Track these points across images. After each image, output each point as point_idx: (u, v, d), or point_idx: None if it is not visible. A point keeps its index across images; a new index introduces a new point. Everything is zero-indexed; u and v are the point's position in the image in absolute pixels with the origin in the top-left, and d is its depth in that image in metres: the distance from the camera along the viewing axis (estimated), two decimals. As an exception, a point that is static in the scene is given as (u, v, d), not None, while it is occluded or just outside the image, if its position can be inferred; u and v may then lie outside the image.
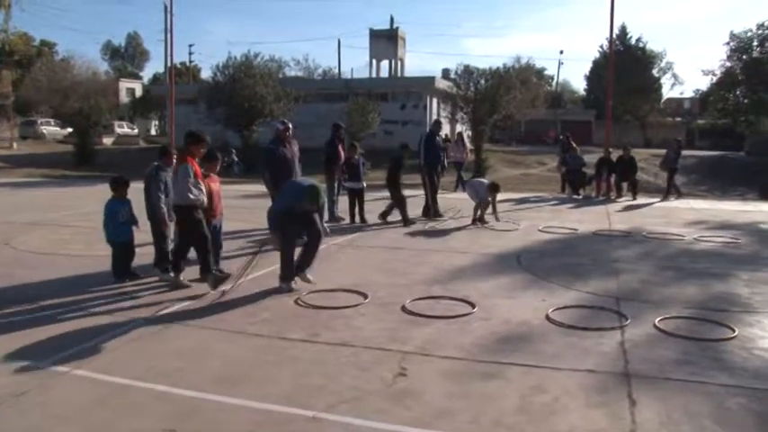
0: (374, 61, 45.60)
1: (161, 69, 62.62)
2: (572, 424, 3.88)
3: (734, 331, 5.63)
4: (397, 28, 45.46)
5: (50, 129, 43.39)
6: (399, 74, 44.14)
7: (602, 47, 55.40)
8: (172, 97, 27.60)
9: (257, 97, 27.06)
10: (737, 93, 40.00)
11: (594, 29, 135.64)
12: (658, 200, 18.29)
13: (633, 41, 54.74)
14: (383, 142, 29.40)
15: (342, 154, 12.50)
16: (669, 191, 18.89)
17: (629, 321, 5.91)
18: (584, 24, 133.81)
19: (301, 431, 3.79)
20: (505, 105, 26.57)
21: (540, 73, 59.11)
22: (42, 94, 49.03)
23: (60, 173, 26.34)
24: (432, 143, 13.11)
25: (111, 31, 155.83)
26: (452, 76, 29.53)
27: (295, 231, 7.02)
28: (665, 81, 59.11)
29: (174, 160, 7.48)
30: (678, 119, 59.91)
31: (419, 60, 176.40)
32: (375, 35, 44.68)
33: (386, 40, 44.16)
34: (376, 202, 14.75)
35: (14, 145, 38.35)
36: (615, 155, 18.99)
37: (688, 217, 14.35)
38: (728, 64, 39.29)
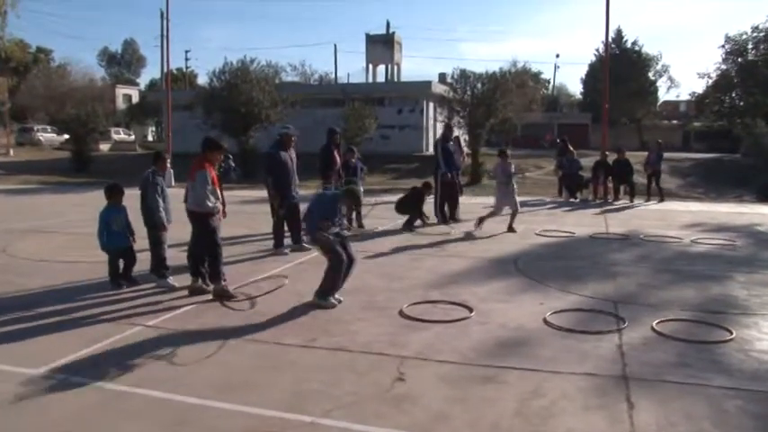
0: (370, 66, 45.68)
1: (158, 75, 62.65)
2: (570, 427, 3.87)
3: (731, 333, 5.64)
4: (394, 33, 45.57)
5: (47, 135, 43.39)
6: (396, 78, 44.22)
7: (597, 50, 55.55)
8: (168, 103, 27.57)
9: (254, 103, 27.06)
10: (733, 95, 40.14)
11: (590, 32, 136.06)
12: (642, 201, 18.26)
13: (629, 45, 54.84)
14: (380, 147, 29.46)
15: (338, 159, 12.48)
16: (651, 192, 18.93)
17: (626, 324, 5.92)
18: (579, 28, 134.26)
19: (299, 437, 3.79)
20: (502, 109, 26.58)
21: (536, 77, 59.23)
22: (39, 100, 49.21)
23: (57, 179, 26.32)
24: (445, 148, 13.10)
25: (108, 37, 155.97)
26: (449, 80, 29.55)
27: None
28: (661, 84, 59.15)
29: (169, 165, 7.50)
30: (674, 121, 60.00)
31: (415, 65, 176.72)
32: (371, 40, 44.75)
33: (382, 45, 44.23)
34: (376, 207, 14.76)
35: (11, 152, 38.36)
36: (612, 158, 19.03)
37: (685, 219, 14.38)
38: (724, 66, 39.44)
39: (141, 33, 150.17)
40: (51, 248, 10.06)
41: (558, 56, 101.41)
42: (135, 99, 64.24)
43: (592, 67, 57.79)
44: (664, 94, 60.96)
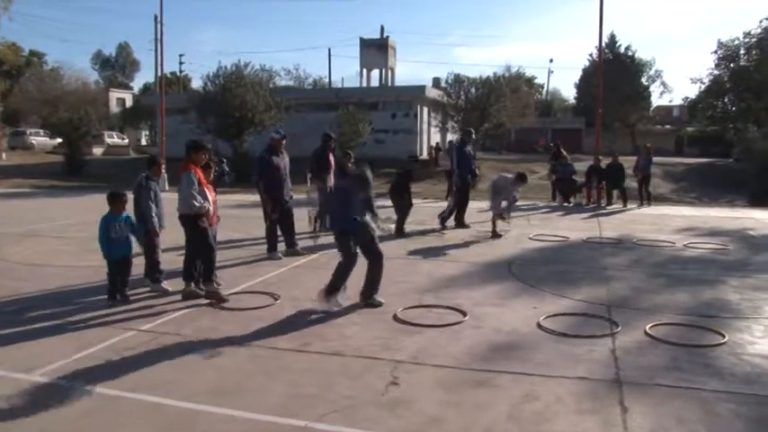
0: (364, 70, 45.73)
1: (151, 79, 62.63)
2: (563, 431, 3.88)
3: (724, 337, 5.67)
4: (388, 37, 45.64)
5: (39, 139, 43.19)
6: (390, 83, 44.29)
7: (591, 55, 55.81)
8: (162, 107, 27.52)
9: (248, 107, 27.09)
10: (725, 100, 40.31)
11: (584, 37, 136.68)
12: (635, 206, 18.37)
13: (622, 50, 55.13)
14: (374, 151, 29.48)
15: (331, 163, 12.49)
16: (643, 196, 19.04)
17: (619, 328, 5.94)
18: (573, 33, 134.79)
19: (293, 441, 3.79)
20: (496, 114, 26.73)
21: (529, 81, 59.47)
22: (31, 104, 49.06)
23: (50, 183, 26.23)
24: (463, 153, 13.04)
25: (102, 41, 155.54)
26: (443, 84, 29.68)
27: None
28: (654, 89, 59.61)
29: (163, 170, 7.46)
30: (667, 126, 60.29)
31: (409, 69, 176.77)
32: (365, 44, 44.82)
33: (376, 50, 44.31)
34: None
35: (3, 155, 38.12)
36: (605, 162, 19.11)
37: (678, 224, 14.43)
38: (716, 72, 39.61)
39: (135, 37, 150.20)
40: (44, 252, 10.03)
41: (551, 61, 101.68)
42: (128, 103, 64.07)
43: (585, 71, 58.08)
44: (657, 99, 61.32)
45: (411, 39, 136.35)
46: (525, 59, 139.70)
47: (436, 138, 35.74)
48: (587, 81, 55.34)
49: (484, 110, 26.28)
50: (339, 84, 58.99)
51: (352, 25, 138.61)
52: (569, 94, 75.03)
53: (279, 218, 9.52)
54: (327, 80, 60.85)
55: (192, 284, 7.12)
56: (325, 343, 5.52)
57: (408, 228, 12.32)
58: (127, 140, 51.36)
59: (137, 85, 79.25)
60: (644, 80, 56.41)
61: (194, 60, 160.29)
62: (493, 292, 7.53)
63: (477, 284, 7.93)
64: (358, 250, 6.77)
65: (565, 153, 19.86)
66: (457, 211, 13.20)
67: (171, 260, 8.00)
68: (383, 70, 45.39)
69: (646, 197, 18.98)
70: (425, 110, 35.39)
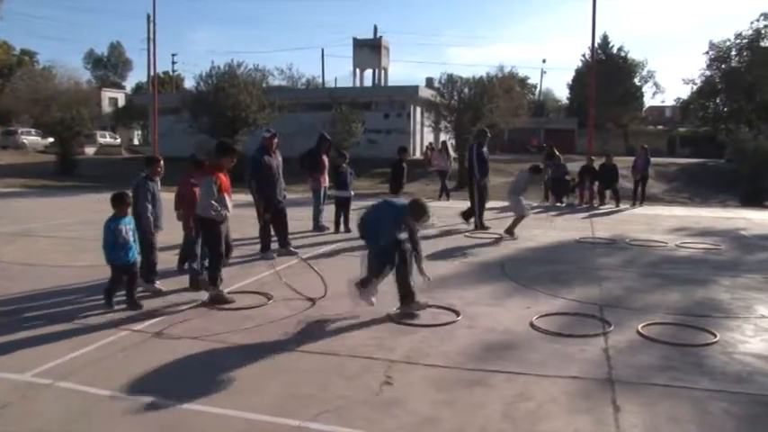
0: (358, 70, 45.73)
1: (144, 79, 62.46)
2: (556, 430, 3.90)
3: (715, 336, 5.71)
4: (381, 37, 45.65)
5: (31, 138, 42.97)
6: (383, 83, 44.30)
7: (584, 56, 55.94)
8: (155, 107, 27.49)
9: (241, 106, 27.01)
10: (717, 101, 40.53)
11: (577, 38, 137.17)
12: (629, 206, 18.48)
13: (615, 50, 55.34)
14: (367, 151, 29.48)
15: (326, 163, 12.49)
16: (637, 196, 19.17)
17: (612, 328, 5.97)
18: (566, 34, 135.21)
19: (287, 441, 3.79)
20: (489, 114, 26.70)
21: (523, 82, 59.63)
22: (23, 103, 48.84)
23: (41, 183, 26.07)
24: (481, 154, 12.94)
25: (94, 40, 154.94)
26: (436, 84, 29.68)
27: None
28: (647, 89, 59.77)
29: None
30: (660, 127, 60.55)
31: (403, 69, 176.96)
32: (359, 44, 44.83)
33: (369, 50, 44.31)
34: (362, 211, 14.75)
35: (-6, 155, 37.97)
36: (598, 163, 19.17)
37: (670, 224, 14.50)
38: (708, 73, 39.83)
39: (128, 36, 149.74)
40: (36, 252, 9.98)
41: (544, 61, 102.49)
42: (121, 102, 63.87)
43: (578, 72, 58.28)
44: (649, 100, 61.64)
45: (404, 39, 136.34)
46: (518, 60, 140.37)
47: (429, 138, 35.76)
48: (580, 81, 55.54)
49: (477, 110, 26.24)
50: (332, 84, 58.91)
51: (345, 25, 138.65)
52: (562, 94, 75.31)
53: (272, 218, 9.51)
54: (321, 80, 60.89)
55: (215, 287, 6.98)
56: (319, 343, 5.52)
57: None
58: (119, 140, 51.18)
59: (129, 84, 79.07)
60: (636, 81, 56.67)
61: (187, 60, 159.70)
62: (486, 291, 7.55)
63: (471, 284, 7.94)
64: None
65: (558, 153, 19.91)
66: (478, 213, 13.12)
67: (166, 260, 7.99)
68: (376, 70, 45.39)
69: (640, 197, 19.11)
70: (419, 110, 35.41)
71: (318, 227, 12.40)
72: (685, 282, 8.23)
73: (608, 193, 18.90)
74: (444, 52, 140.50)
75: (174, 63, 65.82)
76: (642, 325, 6.00)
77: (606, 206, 18.45)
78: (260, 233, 9.68)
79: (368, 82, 45.82)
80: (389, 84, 44.30)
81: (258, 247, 9.79)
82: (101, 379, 4.62)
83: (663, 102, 65.12)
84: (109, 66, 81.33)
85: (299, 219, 10.54)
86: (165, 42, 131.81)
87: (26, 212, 15.90)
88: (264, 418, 4.01)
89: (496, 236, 11.80)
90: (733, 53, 38.86)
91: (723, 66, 38.94)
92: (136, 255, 6.76)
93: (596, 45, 30.95)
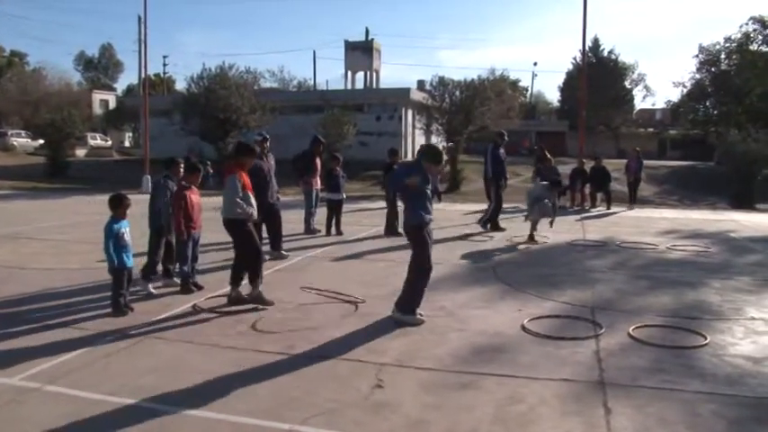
0: (349, 73, 45.78)
1: (135, 81, 62.24)
2: (548, 433, 3.90)
3: (706, 339, 5.72)
4: (372, 40, 45.74)
5: (21, 140, 42.75)
6: (374, 85, 44.35)
7: (575, 59, 56.25)
8: (146, 109, 27.33)
9: (232, 109, 26.97)
10: (707, 104, 40.87)
11: (568, 41, 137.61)
12: (623, 209, 18.60)
13: (606, 53, 55.61)
14: (359, 153, 29.46)
15: (318, 165, 12.48)
16: (633, 198, 19.32)
17: (603, 330, 5.97)
18: (557, 37, 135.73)
19: (277, 445, 3.77)
20: (480, 116, 26.77)
21: (514, 84, 59.72)
22: (13, 105, 48.57)
23: (31, 185, 25.96)
24: (497, 155, 12.97)
25: (85, 41, 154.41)
26: (427, 87, 29.75)
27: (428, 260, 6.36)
28: (637, 92, 60.16)
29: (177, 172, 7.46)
30: (650, 129, 60.86)
31: (394, 72, 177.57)
32: (350, 47, 44.87)
33: (361, 52, 44.37)
34: (353, 214, 14.80)
35: (-16, 157, 37.72)
36: (589, 165, 19.25)
37: (660, 226, 14.56)
38: (698, 76, 40.19)
39: (119, 38, 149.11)
40: (26, 255, 9.91)
41: (535, 64, 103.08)
42: (112, 104, 63.59)
43: (569, 75, 58.56)
44: (640, 103, 61.98)
45: (396, 41, 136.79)
46: (509, 62, 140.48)
47: (421, 140, 35.80)
48: (571, 84, 55.79)
49: (468, 113, 26.30)
50: (324, 86, 59.00)
51: (336, 28, 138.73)
52: (553, 96, 75.60)
53: (265, 220, 9.43)
54: (312, 82, 60.85)
55: (238, 289, 6.92)
56: (310, 346, 5.50)
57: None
58: (110, 142, 50.97)
59: (120, 86, 78.75)
60: (627, 83, 57.01)
61: (178, 62, 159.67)
62: (477, 294, 7.54)
63: (462, 287, 7.94)
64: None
65: (549, 156, 19.95)
66: (494, 215, 13.12)
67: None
68: (368, 73, 45.46)
69: (633, 199, 19.26)
70: (410, 112, 35.46)
71: (310, 230, 12.38)
72: (676, 284, 8.25)
73: (599, 195, 18.98)
74: (436, 55, 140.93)
75: (165, 65, 65.50)
76: (633, 327, 6.01)
77: (597, 209, 18.52)
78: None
79: (359, 84, 45.90)
80: (381, 86, 44.40)
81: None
82: (90, 383, 4.58)
83: (653, 104, 65.50)
84: (100, 67, 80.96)
85: (290, 221, 10.52)
86: (157, 44, 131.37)
87: (16, 215, 15.81)
88: (254, 421, 3.99)
89: (521, 241, 11.79)
90: (722, 56, 39.20)
91: (713, 69, 39.28)
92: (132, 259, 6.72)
93: (587, 48, 31.09)
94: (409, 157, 34.04)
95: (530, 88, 74.49)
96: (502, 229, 12.89)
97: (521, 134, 51.99)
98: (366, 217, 15.53)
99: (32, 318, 6.29)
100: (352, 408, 4.21)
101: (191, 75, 28.92)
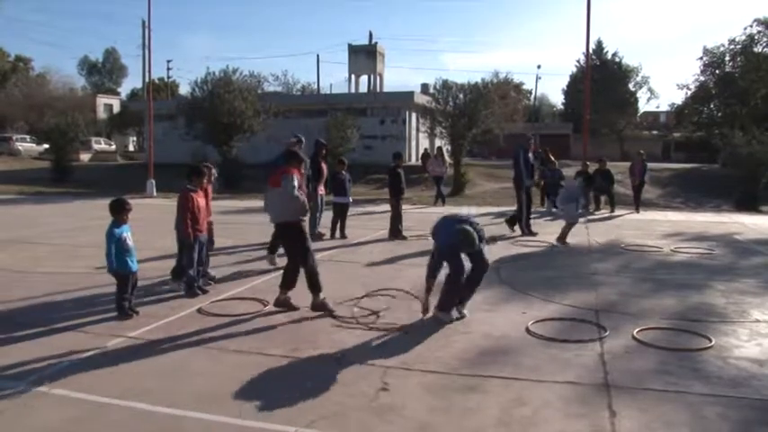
0: (353, 76, 45.80)
1: (139, 85, 62.41)
2: (553, 436, 3.90)
3: (710, 341, 5.72)
4: (376, 43, 45.76)
5: (26, 145, 42.87)
6: (378, 89, 44.34)
7: (578, 61, 56.31)
8: (150, 113, 27.40)
9: (236, 112, 27.00)
10: (711, 106, 40.78)
11: (571, 44, 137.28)
12: (629, 212, 18.60)
13: (609, 56, 55.59)
14: (363, 157, 29.49)
15: (324, 171, 12.46)
16: (638, 202, 19.32)
17: (608, 333, 5.97)
18: (561, 39, 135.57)
19: (283, 447, 3.78)
20: (484, 120, 26.75)
21: (518, 87, 59.77)
22: (17, 109, 48.78)
23: (36, 189, 26.03)
24: (527, 160, 12.99)
25: (89, 46, 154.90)
26: (431, 90, 29.71)
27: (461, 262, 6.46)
28: (641, 95, 60.01)
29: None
30: (654, 132, 60.74)
31: (398, 75, 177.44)
32: (354, 50, 44.89)
33: (365, 56, 44.38)
34: (358, 217, 14.82)
35: (-11, 161, 37.85)
36: (593, 168, 19.23)
37: (664, 229, 14.54)
38: (702, 78, 40.09)
39: (123, 42, 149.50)
40: (31, 259, 9.95)
41: (539, 67, 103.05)
42: (116, 109, 63.78)
43: (573, 77, 58.53)
44: (644, 105, 61.83)
45: (400, 45, 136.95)
46: (513, 65, 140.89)
47: (425, 144, 35.82)
48: (575, 87, 55.77)
49: (472, 116, 26.28)
50: (327, 90, 59.11)
51: (340, 31, 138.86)
52: (557, 99, 75.63)
53: None
54: (316, 86, 60.93)
55: (288, 292, 6.88)
56: (315, 349, 5.52)
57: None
58: (114, 146, 51.06)
59: (124, 90, 79.09)
60: (631, 86, 56.92)
61: (182, 66, 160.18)
62: (481, 297, 7.53)
63: (467, 290, 7.92)
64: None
65: (553, 158, 19.97)
66: (526, 218, 13.10)
67: (160, 267, 7.96)
68: (372, 76, 45.47)
69: (638, 203, 19.25)
70: (414, 116, 35.44)
71: (314, 234, 12.36)
72: (680, 286, 8.24)
73: (603, 198, 18.95)
74: (439, 58, 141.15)
75: (169, 69, 65.59)
76: (638, 330, 6.01)
77: (601, 211, 18.50)
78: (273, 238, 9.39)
79: (363, 88, 45.91)
80: (385, 90, 44.37)
81: (254, 253, 9.73)
82: (96, 386, 4.60)
83: (657, 107, 65.31)
84: (104, 72, 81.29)
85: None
86: (160, 48, 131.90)
87: (21, 219, 15.86)
88: (260, 424, 4.00)
89: (547, 243, 11.79)
90: (727, 58, 39.13)
91: (717, 71, 39.20)
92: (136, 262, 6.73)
93: (591, 51, 31.11)
94: (413, 161, 34.09)
95: (533, 91, 74.42)
96: (533, 234, 12.88)
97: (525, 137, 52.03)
98: (370, 220, 15.54)
99: (39, 321, 6.30)
100: (358, 411, 4.22)
101: (195, 79, 28.97)
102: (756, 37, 38.47)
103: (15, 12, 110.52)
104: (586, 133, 26.38)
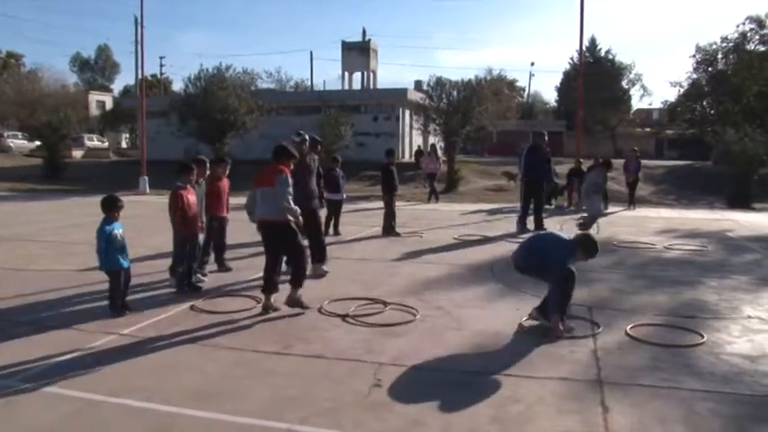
0: (346, 73, 45.73)
1: (132, 81, 62.03)
2: (546, 432, 3.91)
3: (702, 337, 5.74)
4: (369, 40, 45.67)
5: (17, 142, 42.65)
6: (372, 86, 44.29)
7: (572, 59, 56.14)
8: (143, 110, 27.30)
9: (229, 109, 26.94)
10: (704, 104, 40.82)
11: (565, 41, 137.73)
12: (623, 209, 18.69)
13: (603, 53, 55.62)
14: (356, 154, 29.46)
15: (320, 170, 12.42)
16: (633, 199, 19.43)
17: (601, 329, 5.99)
18: (554, 37, 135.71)
19: (276, 444, 3.77)
20: (478, 117, 26.77)
21: (511, 84, 59.86)
22: (9, 106, 48.46)
23: (28, 187, 25.91)
24: (533, 156, 12.87)
25: (81, 42, 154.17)
26: (425, 87, 29.75)
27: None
28: (635, 92, 60.01)
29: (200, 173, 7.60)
30: (647, 129, 60.88)
31: (391, 72, 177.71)
32: (347, 47, 44.81)
33: (358, 53, 44.31)
34: (351, 214, 14.81)
35: (-20, 158, 37.61)
36: (586, 165, 19.28)
37: (658, 226, 14.59)
38: (695, 76, 40.14)
39: (115, 39, 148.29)
40: (22, 256, 9.90)
41: (532, 64, 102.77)
42: (109, 105, 63.48)
43: (566, 75, 58.50)
44: (637, 103, 61.86)
45: (393, 42, 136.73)
46: (507, 63, 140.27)
47: (418, 141, 35.84)
48: (568, 84, 55.71)
49: (466, 113, 26.30)
50: (321, 87, 58.95)
51: (334, 28, 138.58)
52: (550, 97, 75.63)
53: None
54: (309, 83, 60.82)
55: (299, 292, 6.72)
56: (308, 346, 5.51)
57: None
58: (107, 143, 50.87)
59: (117, 87, 78.60)
60: (624, 83, 56.92)
61: (175, 63, 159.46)
62: (475, 294, 7.55)
63: (459, 286, 7.95)
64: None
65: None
66: (536, 214, 13.08)
67: (156, 264, 7.94)
68: (365, 73, 45.41)
69: (633, 200, 19.34)
70: (407, 113, 35.43)
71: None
72: (673, 283, 8.27)
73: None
74: (433, 55, 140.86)
75: (162, 66, 65.99)
76: (630, 326, 6.03)
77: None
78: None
79: (357, 85, 45.84)
80: (378, 86, 44.32)
81: (241, 251, 9.72)
82: (88, 383, 4.59)
83: (650, 104, 65.47)
84: (96, 68, 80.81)
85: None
86: (153, 45, 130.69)
87: (13, 216, 15.78)
88: (252, 421, 4.00)
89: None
90: (719, 56, 39.20)
91: (710, 69, 39.27)
92: (128, 260, 6.69)
93: (584, 48, 31.15)
94: (407, 158, 34.09)
95: (527, 88, 74.55)
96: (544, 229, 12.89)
97: (518, 134, 52.10)
98: (364, 217, 15.54)
99: (31, 319, 6.28)
100: (351, 407, 4.21)
101: (188, 76, 28.89)
102: (749, 35, 38.58)
103: (6, 8, 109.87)
104: (580, 131, 26.43)
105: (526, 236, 12.23)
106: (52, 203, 19.32)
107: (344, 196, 12.98)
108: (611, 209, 18.36)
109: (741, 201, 22.24)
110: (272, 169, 6.61)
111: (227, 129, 27.42)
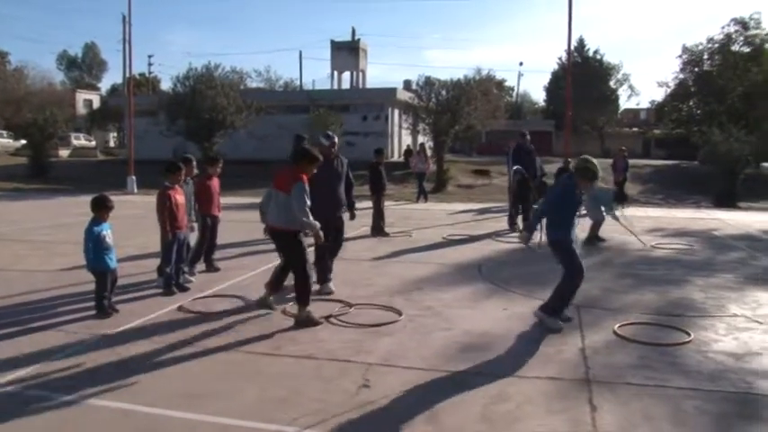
0: (336, 73, 45.72)
1: (119, 80, 61.71)
2: (534, 431, 3.92)
3: (689, 335, 5.78)
4: (359, 39, 45.66)
5: (2, 141, 42.32)
6: (361, 85, 44.30)
7: (560, 59, 56.49)
8: (131, 109, 27.14)
9: (218, 108, 26.82)
10: (690, 104, 41.11)
11: (553, 41, 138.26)
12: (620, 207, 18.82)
13: (591, 54, 55.89)
14: (345, 153, 29.39)
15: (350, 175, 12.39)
16: (623, 198, 19.57)
17: (589, 328, 6.01)
18: (543, 37, 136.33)
19: (264, 445, 3.76)
20: (466, 116, 26.81)
21: (500, 84, 59.89)
22: (-6, 105, 47.96)
23: (13, 186, 25.70)
24: (518, 156, 12.97)
25: (68, 40, 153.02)
26: (414, 87, 29.73)
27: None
28: (622, 92, 60.34)
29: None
30: (635, 129, 61.25)
31: (381, 72, 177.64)
32: (336, 47, 44.79)
33: (347, 52, 44.30)
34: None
35: (-35, 157, 37.26)
36: (574, 164, 19.37)
37: (645, 225, 14.65)
38: (681, 76, 40.41)
39: (102, 37, 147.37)
40: (7, 256, 9.81)
41: (521, 64, 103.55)
42: (96, 104, 63.09)
43: (554, 75, 58.76)
44: (624, 103, 62.24)
45: (382, 41, 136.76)
46: (495, 62, 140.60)
47: (407, 140, 35.84)
48: (556, 84, 55.96)
49: (455, 112, 26.34)
50: (310, 86, 58.84)
51: (323, 27, 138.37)
52: (539, 96, 75.94)
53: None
54: (298, 82, 60.71)
55: (271, 297, 6.55)
56: (297, 346, 5.50)
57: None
58: (94, 142, 50.54)
59: (104, 86, 78.15)
60: (612, 83, 57.25)
61: (163, 61, 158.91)
62: (463, 293, 7.56)
63: (447, 286, 7.96)
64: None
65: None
66: (525, 213, 13.08)
67: (144, 265, 7.88)
68: (354, 72, 45.41)
69: (623, 198, 19.50)
70: (396, 112, 35.43)
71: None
72: (660, 282, 8.32)
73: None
74: (422, 55, 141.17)
75: (150, 64, 65.21)
76: (618, 325, 6.06)
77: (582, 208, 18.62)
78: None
79: (346, 84, 45.83)
80: (367, 86, 44.34)
81: (232, 251, 9.69)
82: (75, 386, 4.54)
83: (638, 104, 65.84)
84: (83, 67, 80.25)
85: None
86: (141, 43, 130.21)
87: (-2, 216, 15.64)
88: (242, 422, 3.98)
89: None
90: (705, 57, 39.47)
91: (696, 69, 39.55)
92: (115, 260, 6.64)
93: (572, 48, 31.30)
94: (396, 157, 34.08)
95: (516, 88, 74.81)
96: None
97: (507, 134, 52.22)
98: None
99: (16, 320, 6.22)
100: (339, 408, 4.20)
101: (176, 74, 28.82)
102: (733, 36, 38.87)
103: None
104: (568, 130, 26.56)
105: (514, 235, 12.35)
106: (39, 203, 19.16)
107: None
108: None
109: (727, 200, 22.43)
110: (290, 174, 6.09)
111: (216, 128, 27.30)
